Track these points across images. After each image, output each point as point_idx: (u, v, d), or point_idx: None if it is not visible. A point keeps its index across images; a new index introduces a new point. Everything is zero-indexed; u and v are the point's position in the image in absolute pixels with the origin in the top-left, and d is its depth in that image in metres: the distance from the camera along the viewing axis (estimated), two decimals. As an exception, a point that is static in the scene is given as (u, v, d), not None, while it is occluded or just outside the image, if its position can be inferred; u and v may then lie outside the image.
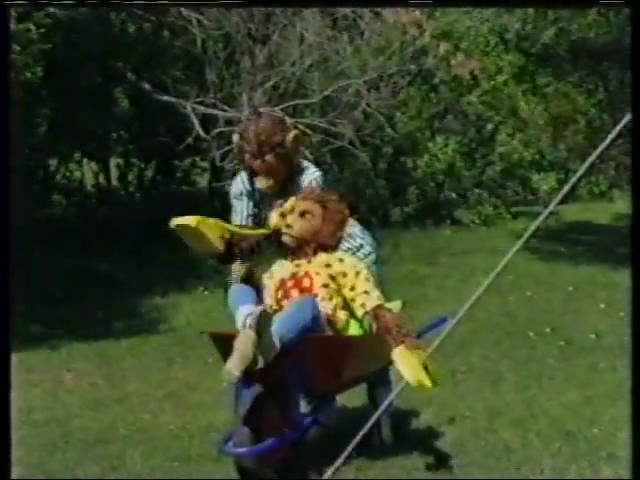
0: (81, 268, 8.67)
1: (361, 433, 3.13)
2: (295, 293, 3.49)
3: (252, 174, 3.78)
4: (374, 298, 3.49)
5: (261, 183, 3.70)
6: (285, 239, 3.57)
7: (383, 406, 3.37)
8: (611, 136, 2.68)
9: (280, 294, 3.53)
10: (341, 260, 3.55)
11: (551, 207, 3.02)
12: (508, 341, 6.22)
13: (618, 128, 2.65)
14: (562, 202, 3.27)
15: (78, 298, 7.89)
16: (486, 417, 4.35)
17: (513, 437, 4.02)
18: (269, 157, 3.66)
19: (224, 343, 3.38)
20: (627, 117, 2.66)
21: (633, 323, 2.78)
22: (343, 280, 3.50)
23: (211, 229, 3.50)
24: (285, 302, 3.49)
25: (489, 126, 11.86)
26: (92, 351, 6.36)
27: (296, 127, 3.80)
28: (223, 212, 4.14)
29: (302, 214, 3.57)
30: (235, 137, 3.81)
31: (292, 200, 3.63)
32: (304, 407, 3.55)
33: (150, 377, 5.53)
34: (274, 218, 3.62)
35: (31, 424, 4.45)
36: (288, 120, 3.85)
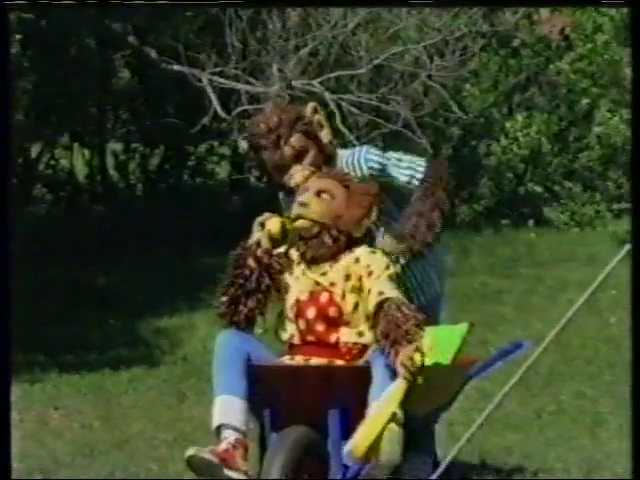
0: (71, 281, 8.76)
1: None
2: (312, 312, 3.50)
3: (281, 185, 3.71)
4: (380, 293, 3.41)
5: (297, 178, 3.59)
6: (299, 225, 3.54)
7: (446, 460, 3.38)
8: (611, 265, 3.06)
9: (294, 312, 3.53)
10: (357, 260, 3.52)
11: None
12: (610, 374, 6.19)
13: (618, 258, 3.04)
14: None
15: (67, 318, 7.97)
16: (582, 470, 4.32)
17: (617, 497, 4.03)
18: (294, 138, 3.61)
19: (263, 378, 3.40)
20: (627, 247, 3.01)
21: (633, 323, 2.95)
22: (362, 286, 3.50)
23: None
24: (301, 322, 3.49)
25: (585, 100, 11.79)
26: (85, 384, 6.42)
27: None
28: (245, 210, 4.16)
29: (318, 193, 3.58)
30: (242, 145, 3.81)
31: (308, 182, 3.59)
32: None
33: (158, 416, 5.58)
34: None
35: (9, 476, 4.51)
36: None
